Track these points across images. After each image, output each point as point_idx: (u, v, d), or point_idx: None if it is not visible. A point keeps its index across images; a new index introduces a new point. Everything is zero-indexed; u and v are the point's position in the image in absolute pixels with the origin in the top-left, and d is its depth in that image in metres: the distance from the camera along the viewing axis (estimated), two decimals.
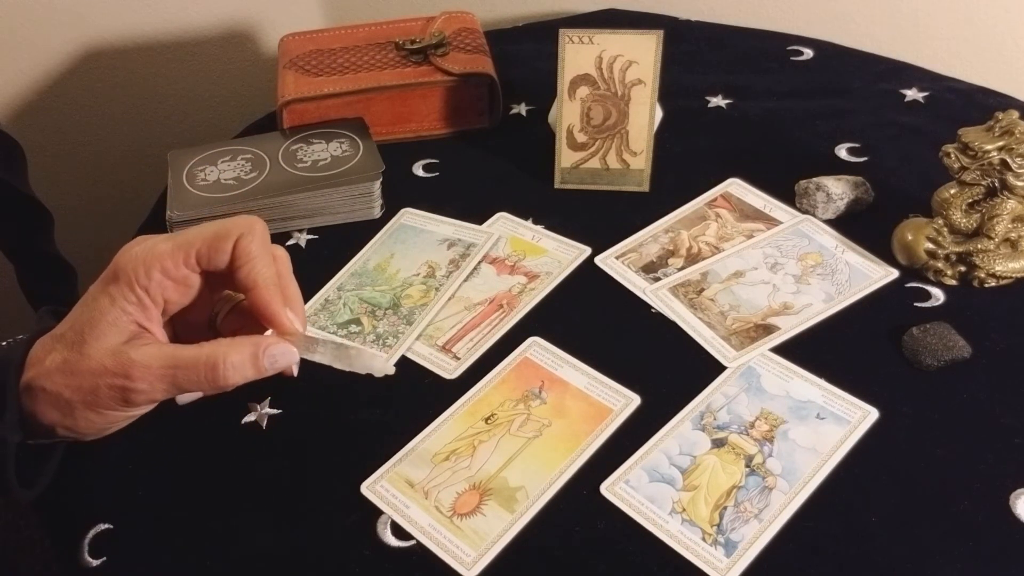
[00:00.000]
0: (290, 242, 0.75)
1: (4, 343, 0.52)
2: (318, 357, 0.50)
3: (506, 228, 0.74)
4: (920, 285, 0.67)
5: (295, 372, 0.51)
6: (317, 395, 0.61)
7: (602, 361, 0.62)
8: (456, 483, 0.55)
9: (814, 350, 0.62)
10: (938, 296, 0.66)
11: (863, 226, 0.72)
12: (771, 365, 0.61)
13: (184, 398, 0.52)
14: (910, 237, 0.67)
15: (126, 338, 0.48)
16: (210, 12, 1.11)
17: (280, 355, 0.49)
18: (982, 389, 0.59)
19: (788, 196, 0.75)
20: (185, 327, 0.53)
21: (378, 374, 0.51)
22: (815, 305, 0.65)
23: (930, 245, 0.66)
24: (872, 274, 0.68)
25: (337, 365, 0.51)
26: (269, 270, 0.50)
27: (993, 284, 0.66)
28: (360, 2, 1.16)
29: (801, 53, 0.95)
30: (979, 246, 0.65)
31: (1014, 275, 0.65)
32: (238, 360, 0.48)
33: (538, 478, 0.55)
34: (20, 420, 0.48)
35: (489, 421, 0.59)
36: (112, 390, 0.47)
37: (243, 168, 0.77)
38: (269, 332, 0.50)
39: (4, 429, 0.47)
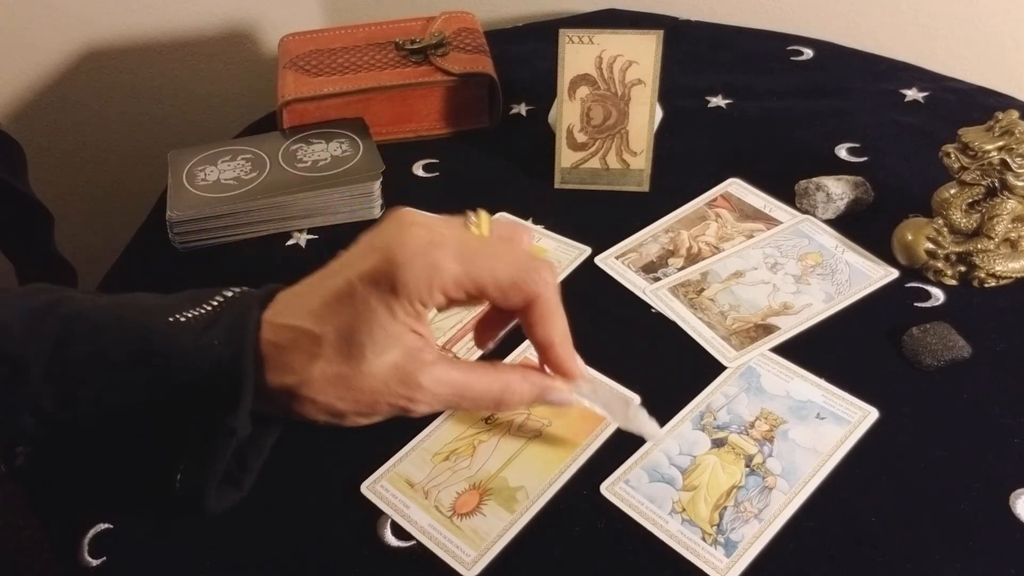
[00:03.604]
0: (290, 242, 0.75)
1: (217, 324, 0.44)
2: (596, 406, 0.51)
3: None
4: (920, 285, 0.67)
5: (571, 403, 0.50)
6: None
7: (602, 361, 0.62)
8: (456, 483, 0.55)
9: (814, 350, 0.62)
10: (938, 296, 0.66)
11: (863, 226, 0.72)
12: (771, 365, 0.61)
13: None
14: (910, 237, 0.67)
15: (408, 353, 0.44)
16: (210, 12, 1.11)
17: (559, 400, 0.49)
18: (982, 389, 0.59)
19: (788, 196, 0.75)
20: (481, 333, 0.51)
21: (649, 440, 0.52)
22: (815, 305, 0.65)
23: (930, 245, 0.66)
24: (872, 274, 0.68)
25: (607, 415, 0.52)
26: (564, 325, 0.47)
27: (993, 284, 0.66)
28: (360, 2, 1.16)
29: (801, 53, 0.95)
30: (979, 246, 0.65)
31: (1014, 275, 0.65)
32: (523, 396, 0.48)
33: (538, 478, 0.55)
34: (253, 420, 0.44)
35: (489, 421, 0.59)
36: (393, 407, 0.45)
37: (243, 168, 0.77)
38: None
39: (236, 421, 0.43)
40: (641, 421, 0.51)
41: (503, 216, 0.75)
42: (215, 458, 0.44)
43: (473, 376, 0.46)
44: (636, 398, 0.51)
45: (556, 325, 0.46)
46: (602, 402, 0.51)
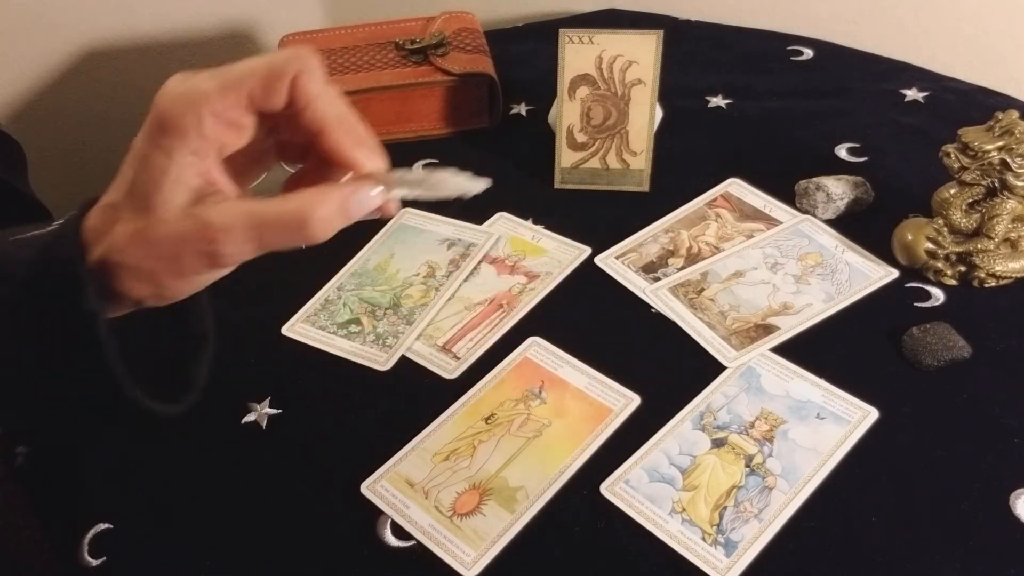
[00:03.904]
0: None
1: (49, 227, 0.47)
2: (404, 191, 0.46)
3: (506, 228, 0.74)
4: (920, 285, 0.67)
5: (393, 209, 0.47)
6: (317, 395, 0.61)
7: (602, 361, 0.62)
8: (456, 483, 0.55)
9: (814, 350, 0.62)
10: (938, 296, 0.66)
11: (863, 226, 0.71)
12: (771, 365, 0.61)
13: None
14: (910, 237, 0.67)
15: (196, 195, 0.44)
16: (210, 12, 1.11)
17: (368, 199, 0.46)
18: (982, 389, 0.59)
19: (788, 196, 0.75)
20: (241, 170, 0.49)
21: (472, 192, 0.47)
22: (815, 305, 0.65)
23: (930, 245, 0.66)
24: (872, 274, 0.68)
25: (424, 197, 0.47)
26: (335, 108, 0.45)
27: (993, 284, 0.66)
28: (360, 2, 1.16)
29: (801, 53, 0.95)
30: (979, 246, 0.65)
31: (1014, 275, 0.65)
32: (327, 212, 0.44)
33: (538, 478, 0.55)
34: (101, 297, 0.44)
35: (489, 421, 0.59)
36: (198, 256, 0.44)
37: None
38: (348, 176, 0.46)
39: (90, 303, 0.43)
40: (451, 185, 0.46)
41: (501, 216, 0.75)
42: (107, 351, 0.44)
43: (266, 204, 0.44)
44: (447, 171, 0.46)
45: (323, 108, 0.44)
46: (415, 187, 0.46)
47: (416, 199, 0.46)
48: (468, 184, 0.47)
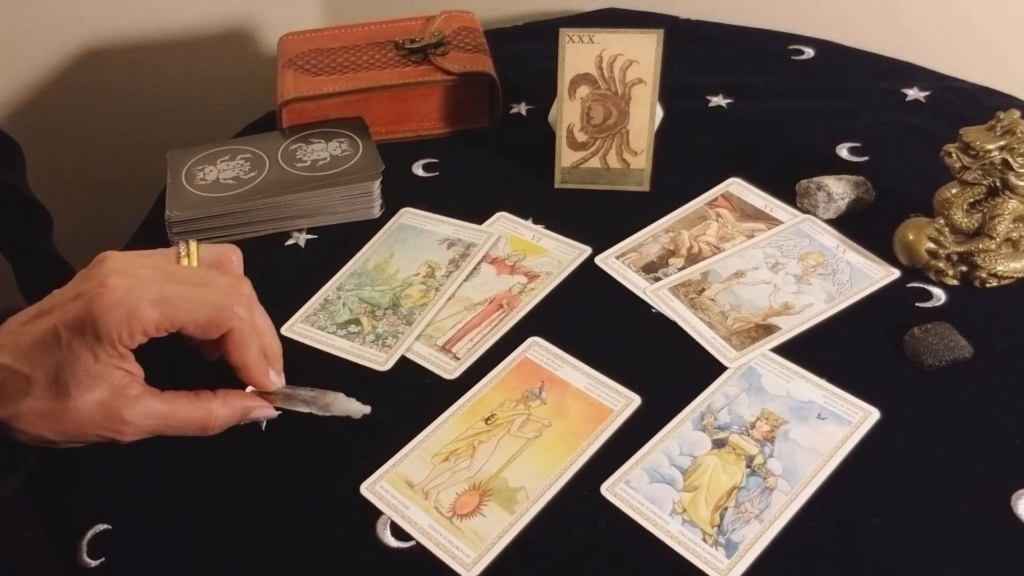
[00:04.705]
0: (290, 242, 0.75)
1: None
2: (299, 407, 0.57)
3: (506, 228, 0.74)
4: (921, 285, 0.67)
5: (274, 415, 0.57)
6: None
7: (602, 361, 0.62)
8: (456, 484, 0.55)
9: (815, 350, 0.62)
10: (939, 296, 0.66)
11: (864, 226, 0.71)
12: (772, 365, 0.61)
13: None
14: (911, 237, 0.67)
15: (113, 390, 0.49)
16: (210, 12, 1.11)
17: (262, 415, 0.56)
18: (983, 389, 0.59)
19: (789, 196, 0.75)
20: None
21: (355, 415, 0.57)
22: (816, 305, 0.65)
23: (931, 245, 0.66)
24: (873, 274, 0.67)
25: (316, 412, 0.57)
26: (256, 348, 0.53)
27: (994, 284, 0.65)
28: (360, 2, 1.15)
29: (802, 53, 0.95)
30: (980, 246, 0.65)
31: (1015, 275, 0.65)
32: (228, 418, 0.54)
33: (538, 479, 0.55)
34: None
35: (489, 421, 0.58)
36: (101, 438, 0.50)
37: (242, 168, 0.77)
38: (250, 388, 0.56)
39: None
40: (341, 404, 0.56)
41: (501, 216, 0.75)
42: None
43: (176, 406, 0.52)
44: (338, 395, 0.57)
45: (249, 350, 0.52)
46: (302, 401, 0.56)
47: (308, 412, 0.57)
48: (354, 407, 0.57)
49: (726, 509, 0.53)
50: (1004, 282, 0.66)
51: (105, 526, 0.55)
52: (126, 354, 0.49)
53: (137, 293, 0.47)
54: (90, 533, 0.54)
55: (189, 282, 0.51)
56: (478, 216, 0.75)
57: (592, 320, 0.66)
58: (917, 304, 0.65)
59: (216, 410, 0.53)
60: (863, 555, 0.51)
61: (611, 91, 0.74)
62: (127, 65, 1.11)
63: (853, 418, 0.57)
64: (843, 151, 0.80)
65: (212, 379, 0.55)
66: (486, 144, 0.85)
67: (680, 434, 0.57)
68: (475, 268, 0.70)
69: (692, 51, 0.96)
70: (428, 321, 0.66)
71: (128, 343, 0.48)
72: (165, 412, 0.51)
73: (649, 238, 0.72)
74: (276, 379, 0.56)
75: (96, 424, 0.49)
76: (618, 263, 0.70)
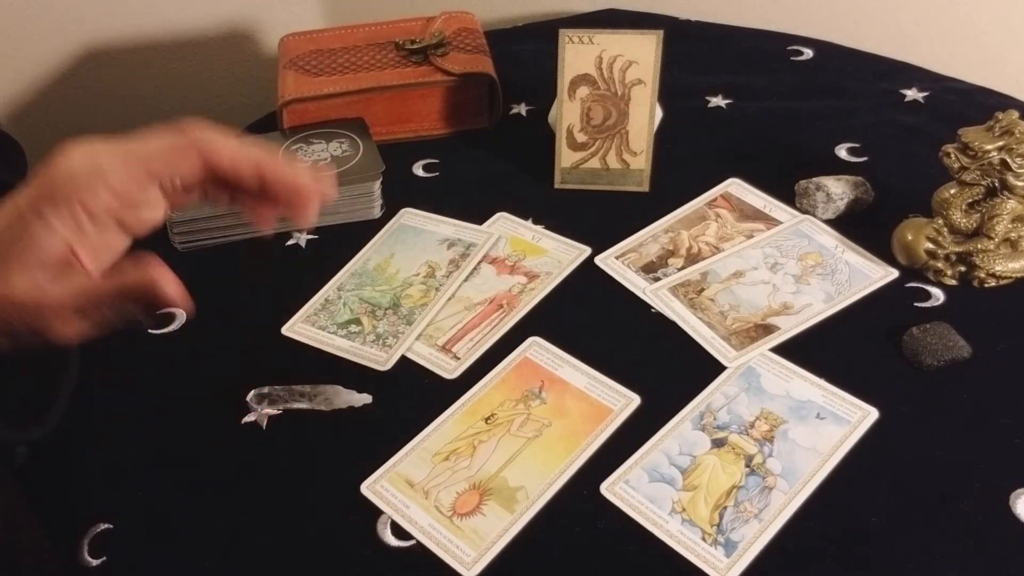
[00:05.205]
0: (290, 242, 0.75)
1: None
2: (300, 403, 0.57)
3: (506, 228, 0.74)
4: (920, 285, 0.67)
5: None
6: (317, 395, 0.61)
7: (602, 361, 0.62)
8: (456, 483, 0.55)
9: (814, 350, 0.62)
10: (938, 296, 0.66)
11: (863, 226, 0.71)
12: (771, 365, 0.61)
13: None
14: (910, 237, 0.67)
15: (54, 270, 0.43)
16: (210, 12, 1.11)
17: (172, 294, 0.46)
18: (982, 389, 0.59)
19: (788, 196, 0.75)
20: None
21: (357, 404, 0.57)
22: (815, 305, 0.65)
23: (930, 245, 0.66)
24: (872, 274, 0.68)
25: (320, 407, 0.58)
26: (254, 150, 0.46)
27: (993, 284, 0.66)
28: (360, 2, 1.16)
29: (801, 53, 0.95)
30: (979, 246, 0.65)
31: (1014, 275, 0.65)
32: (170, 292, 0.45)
33: (538, 478, 0.55)
34: None
35: (489, 421, 0.59)
36: (27, 328, 0.44)
37: None
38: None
39: None
40: (343, 396, 0.59)
41: (501, 216, 0.75)
42: None
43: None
44: (338, 388, 0.59)
45: (248, 147, 0.46)
46: (302, 396, 0.58)
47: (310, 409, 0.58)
48: (355, 398, 0.59)
49: (725, 508, 0.53)
50: (1002, 282, 0.66)
51: (106, 525, 0.55)
52: (83, 224, 0.43)
53: (96, 147, 0.44)
54: (91, 532, 0.54)
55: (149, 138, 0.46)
56: (478, 216, 0.75)
57: (592, 320, 0.66)
58: (916, 304, 0.65)
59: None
60: (862, 554, 0.51)
61: (611, 92, 0.74)
62: (128, 66, 1.11)
63: (852, 418, 0.57)
64: (842, 151, 0.80)
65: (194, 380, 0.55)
66: (486, 144, 0.85)
67: (679, 434, 0.57)
68: (475, 268, 0.70)
69: (691, 51, 0.96)
70: (428, 321, 0.66)
71: (89, 199, 0.43)
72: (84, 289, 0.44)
73: (648, 238, 0.72)
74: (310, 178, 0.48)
75: (24, 310, 0.43)
76: (618, 263, 0.70)
